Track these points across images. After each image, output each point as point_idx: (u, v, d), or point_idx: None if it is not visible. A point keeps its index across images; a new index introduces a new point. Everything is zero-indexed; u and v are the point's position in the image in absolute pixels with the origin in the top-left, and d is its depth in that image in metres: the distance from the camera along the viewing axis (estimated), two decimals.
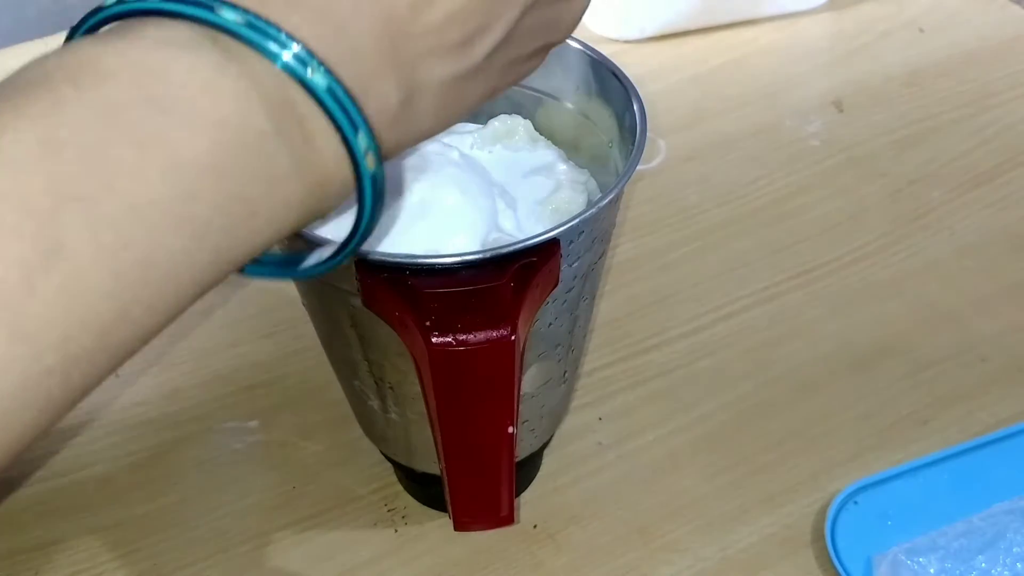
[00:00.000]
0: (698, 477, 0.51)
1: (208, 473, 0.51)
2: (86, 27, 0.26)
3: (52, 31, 0.77)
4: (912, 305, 0.59)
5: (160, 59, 0.24)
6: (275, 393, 0.55)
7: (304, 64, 0.25)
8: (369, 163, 0.27)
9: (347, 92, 0.26)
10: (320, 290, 0.40)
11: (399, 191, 0.38)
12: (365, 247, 0.36)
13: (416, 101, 0.28)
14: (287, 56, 0.25)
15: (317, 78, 0.25)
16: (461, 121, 0.32)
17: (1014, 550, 0.46)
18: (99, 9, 0.26)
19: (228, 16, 0.24)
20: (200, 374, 0.56)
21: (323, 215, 0.28)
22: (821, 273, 0.61)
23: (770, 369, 0.56)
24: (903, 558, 0.46)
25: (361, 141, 0.26)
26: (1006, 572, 0.45)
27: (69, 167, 0.23)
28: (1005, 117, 0.72)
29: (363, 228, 0.28)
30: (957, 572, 0.45)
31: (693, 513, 0.50)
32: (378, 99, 0.27)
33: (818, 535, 0.48)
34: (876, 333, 0.58)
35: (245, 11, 0.25)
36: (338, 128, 0.26)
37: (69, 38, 0.26)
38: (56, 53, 0.25)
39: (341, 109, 0.26)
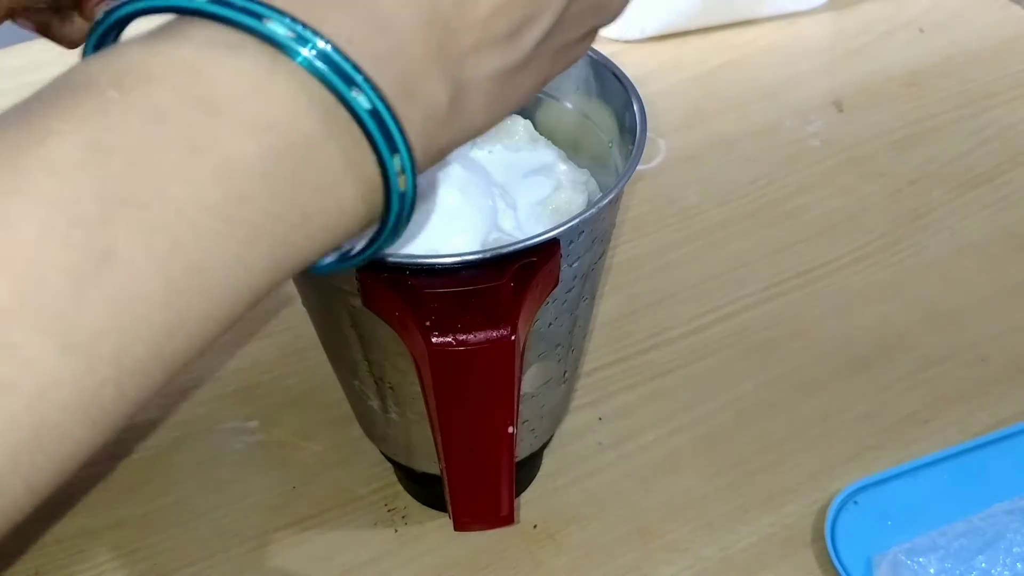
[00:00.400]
0: (698, 477, 0.51)
1: (208, 473, 0.51)
2: (120, 15, 0.25)
3: None
4: (912, 305, 0.59)
5: (207, 61, 0.24)
6: (275, 393, 0.55)
7: (349, 82, 0.24)
8: (401, 183, 0.26)
9: (391, 111, 0.25)
10: (320, 290, 0.40)
11: None
12: None
13: (466, 98, 0.28)
14: (331, 73, 0.24)
15: (360, 99, 0.24)
16: (511, 114, 0.31)
17: (1014, 550, 0.46)
18: None
19: (276, 29, 0.24)
20: (200, 374, 0.56)
21: (377, 221, 0.27)
22: (821, 273, 0.61)
23: (770, 369, 0.56)
24: (903, 558, 0.46)
25: (396, 162, 0.26)
26: (1006, 572, 0.45)
27: (118, 171, 0.22)
28: (1005, 117, 0.72)
29: (383, 239, 0.28)
30: (957, 572, 0.45)
31: (693, 513, 0.50)
32: (426, 102, 0.26)
33: (818, 535, 0.48)
34: (876, 333, 0.58)
35: (294, 21, 0.24)
36: (376, 149, 0.25)
37: (100, 23, 0.25)
38: (100, 56, 0.24)
39: (382, 130, 0.25)
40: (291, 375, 0.56)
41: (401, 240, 0.38)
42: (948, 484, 0.49)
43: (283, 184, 0.24)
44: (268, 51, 0.24)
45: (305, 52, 0.24)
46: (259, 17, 0.24)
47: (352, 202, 0.26)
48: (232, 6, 0.24)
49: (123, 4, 0.25)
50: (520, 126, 0.45)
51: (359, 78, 0.24)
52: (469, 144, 0.44)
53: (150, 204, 0.22)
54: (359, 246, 0.29)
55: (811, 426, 0.53)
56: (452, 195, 0.39)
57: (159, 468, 0.52)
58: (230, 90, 0.23)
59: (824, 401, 0.54)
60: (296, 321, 0.57)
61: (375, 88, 0.25)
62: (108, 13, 0.25)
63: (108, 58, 0.24)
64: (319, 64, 0.24)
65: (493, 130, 0.45)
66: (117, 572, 0.48)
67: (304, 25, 0.24)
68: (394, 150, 0.25)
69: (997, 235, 0.64)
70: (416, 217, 0.38)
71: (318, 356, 0.49)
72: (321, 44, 0.24)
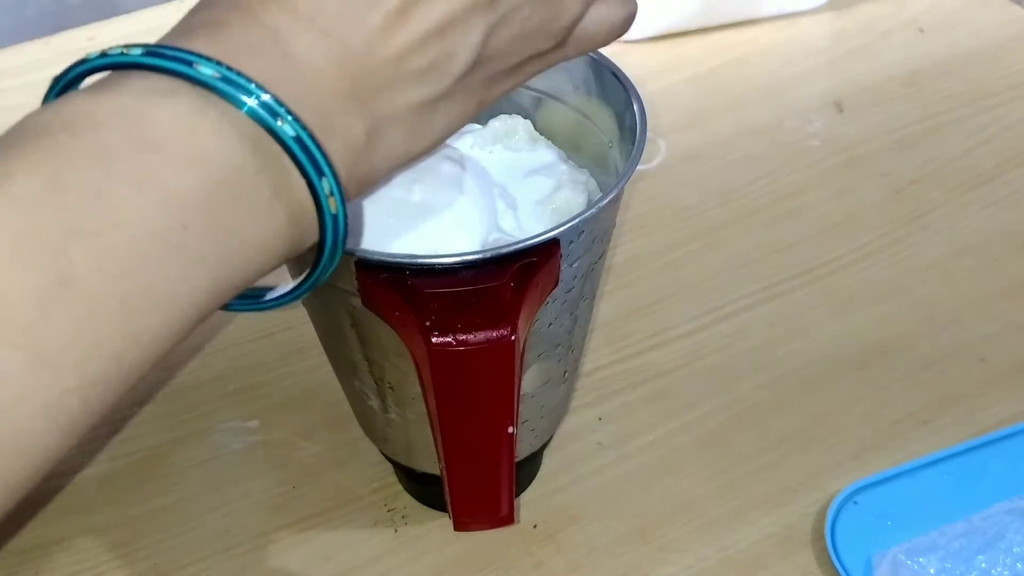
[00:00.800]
0: (698, 477, 0.51)
1: (208, 473, 0.51)
2: (70, 76, 0.28)
3: (52, 31, 0.77)
4: (912, 305, 0.59)
5: (146, 106, 0.26)
6: (275, 393, 0.55)
7: (274, 114, 0.27)
8: (332, 206, 0.28)
9: (313, 139, 0.27)
10: (320, 290, 0.40)
11: (399, 192, 0.38)
12: (366, 246, 0.36)
13: (384, 131, 0.30)
14: (257, 107, 0.27)
15: (285, 128, 0.27)
16: (446, 139, 0.33)
17: (1014, 550, 0.46)
18: (83, 61, 0.27)
19: (205, 71, 0.26)
20: (200, 374, 0.56)
21: (308, 244, 0.30)
22: (821, 273, 0.61)
23: (770, 369, 0.56)
24: (903, 558, 0.46)
25: (325, 185, 0.28)
26: (1006, 572, 0.46)
27: (74, 205, 0.25)
28: (1005, 117, 0.72)
29: (323, 264, 0.30)
30: (957, 572, 0.45)
31: (693, 513, 0.50)
32: (344, 135, 0.29)
33: (818, 535, 0.48)
34: (876, 333, 0.58)
35: (219, 64, 0.26)
36: (304, 173, 0.28)
37: (54, 86, 0.28)
38: (51, 106, 0.27)
39: (307, 156, 0.27)
40: (291, 375, 0.56)
41: (402, 240, 0.38)
42: (948, 484, 0.49)
43: (220, 212, 0.27)
44: (200, 94, 0.27)
45: (237, 93, 0.27)
46: (188, 64, 0.26)
47: (286, 226, 0.28)
48: (164, 56, 0.27)
49: (75, 65, 0.28)
50: (520, 126, 0.45)
51: (283, 111, 0.27)
52: (469, 144, 0.44)
53: (102, 232, 0.25)
54: (289, 287, 0.32)
55: (811, 426, 0.53)
56: (452, 195, 0.39)
57: (159, 468, 0.52)
58: (168, 130, 0.26)
59: (824, 401, 0.54)
60: (296, 321, 0.57)
61: (298, 119, 0.27)
62: (64, 72, 0.28)
63: (60, 107, 0.27)
64: (243, 99, 0.27)
65: (492, 130, 0.45)
66: (117, 572, 0.48)
67: (229, 67, 0.27)
68: (321, 174, 0.28)
69: (997, 235, 0.64)
70: (417, 217, 0.38)
71: (318, 356, 0.49)
72: (243, 82, 0.27)
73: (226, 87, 0.26)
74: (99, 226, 0.25)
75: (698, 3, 0.77)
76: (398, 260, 0.35)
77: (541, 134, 0.46)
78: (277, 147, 0.27)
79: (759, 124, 0.72)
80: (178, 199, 0.26)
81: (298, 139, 0.27)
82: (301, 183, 0.28)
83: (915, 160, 0.69)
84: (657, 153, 0.69)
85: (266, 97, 0.27)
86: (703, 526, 0.49)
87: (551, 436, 0.50)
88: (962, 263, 0.62)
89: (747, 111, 0.73)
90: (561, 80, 0.45)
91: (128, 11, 0.81)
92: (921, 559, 0.46)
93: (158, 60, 0.27)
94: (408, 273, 0.35)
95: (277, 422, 0.54)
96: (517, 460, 0.40)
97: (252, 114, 0.27)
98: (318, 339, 0.46)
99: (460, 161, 0.41)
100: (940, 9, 0.82)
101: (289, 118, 0.27)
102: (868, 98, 0.74)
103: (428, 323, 0.34)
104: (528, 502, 0.50)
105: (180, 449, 0.52)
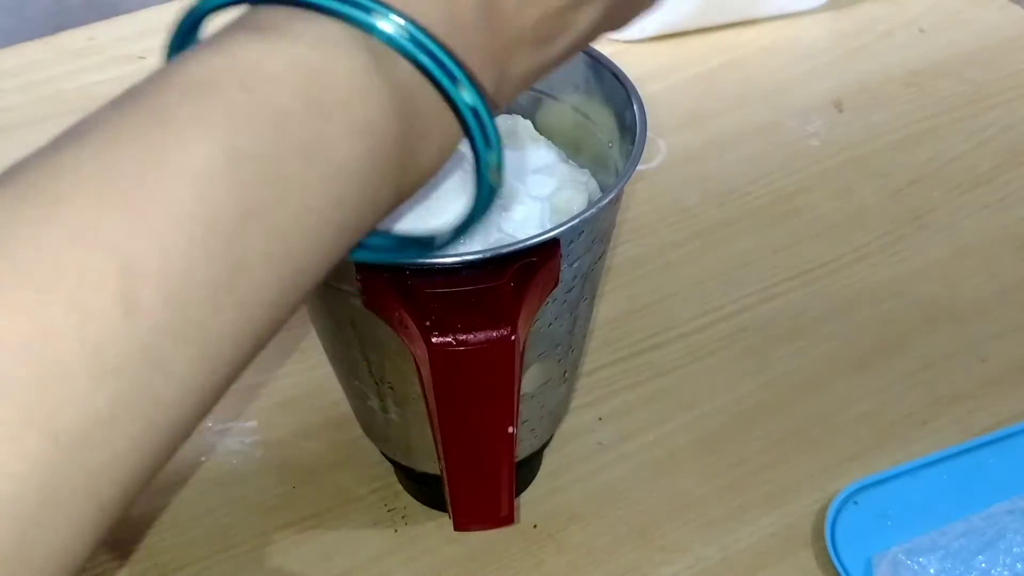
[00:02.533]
0: (698, 477, 0.51)
1: (207, 473, 0.51)
2: (214, 5, 0.25)
3: (52, 31, 0.77)
4: (912, 305, 0.59)
5: (320, 60, 0.24)
6: (275, 393, 0.55)
7: (453, 80, 0.25)
8: (492, 178, 0.27)
9: (488, 110, 0.26)
10: (320, 290, 0.40)
11: None
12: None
13: (500, 92, 0.29)
14: (439, 72, 0.25)
15: (465, 96, 0.25)
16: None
17: (1014, 550, 0.46)
18: None
19: (387, 27, 0.24)
20: None
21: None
22: (821, 273, 0.61)
23: (770, 369, 0.56)
24: (903, 558, 0.46)
25: (492, 157, 0.27)
26: (1006, 572, 0.45)
27: (249, 180, 0.22)
28: (1005, 117, 0.72)
29: (478, 211, 0.28)
30: (957, 572, 0.45)
31: (693, 513, 0.50)
32: (495, 91, 0.28)
33: (818, 535, 0.48)
34: (876, 333, 0.58)
35: (400, 17, 0.24)
36: (474, 147, 0.27)
37: (191, 12, 0.26)
38: (217, 50, 0.24)
39: (480, 127, 0.26)
40: (291, 375, 0.56)
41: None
42: (948, 484, 0.49)
43: (372, 185, 0.25)
44: (369, 48, 0.24)
45: (419, 54, 0.25)
46: (368, 11, 0.24)
47: (407, 188, 0.27)
48: (346, 1, 0.24)
49: None
50: (520, 126, 0.45)
51: (461, 75, 0.25)
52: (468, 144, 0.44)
53: (272, 212, 0.23)
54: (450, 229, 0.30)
55: (811, 426, 0.53)
56: (453, 196, 0.39)
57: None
58: (341, 92, 0.24)
59: (824, 401, 0.54)
60: (296, 321, 0.57)
61: (477, 87, 0.25)
62: (198, 5, 0.25)
63: (227, 53, 0.24)
64: (426, 60, 0.25)
65: None
66: (117, 572, 0.48)
67: (415, 24, 0.24)
68: (489, 145, 0.26)
69: (997, 235, 0.64)
70: (418, 218, 0.38)
71: (318, 356, 0.49)
72: (428, 42, 0.25)
73: (408, 45, 0.24)
74: (270, 204, 0.23)
75: (698, 3, 0.77)
76: (399, 261, 0.35)
77: (541, 134, 0.46)
78: (450, 114, 0.26)
79: (759, 124, 0.72)
80: (341, 174, 0.24)
81: (475, 110, 0.26)
82: (460, 138, 0.27)
83: (915, 160, 0.69)
84: (657, 153, 0.69)
85: (448, 61, 0.25)
86: (703, 526, 0.49)
87: (551, 436, 0.50)
88: (962, 263, 0.62)
89: (747, 111, 0.73)
90: (561, 80, 0.45)
91: (128, 11, 0.81)
92: (921, 559, 0.46)
93: (332, 3, 0.24)
94: (408, 273, 0.35)
95: (277, 422, 0.54)
96: (517, 460, 0.40)
97: (433, 78, 0.25)
98: (318, 339, 0.46)
99: (460, 161, 0.41)
100: (940, 9, 0.82)
101: (469, 86, 0.25)
102: (868, 98, 0.74)
103: (428, 323, 0.34)
104: (528, 502, 0.50)
105: (180, 449, 0.52)
